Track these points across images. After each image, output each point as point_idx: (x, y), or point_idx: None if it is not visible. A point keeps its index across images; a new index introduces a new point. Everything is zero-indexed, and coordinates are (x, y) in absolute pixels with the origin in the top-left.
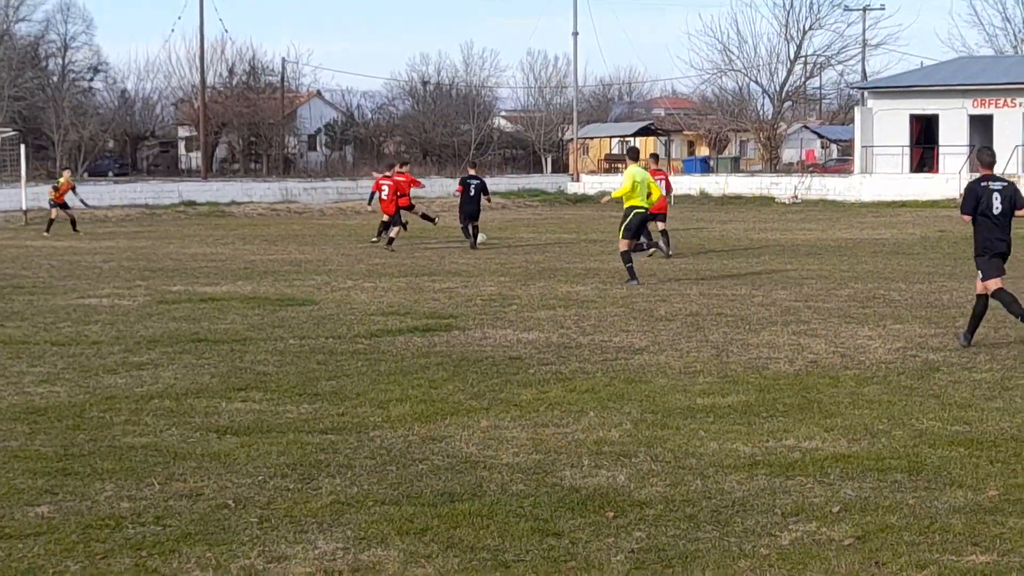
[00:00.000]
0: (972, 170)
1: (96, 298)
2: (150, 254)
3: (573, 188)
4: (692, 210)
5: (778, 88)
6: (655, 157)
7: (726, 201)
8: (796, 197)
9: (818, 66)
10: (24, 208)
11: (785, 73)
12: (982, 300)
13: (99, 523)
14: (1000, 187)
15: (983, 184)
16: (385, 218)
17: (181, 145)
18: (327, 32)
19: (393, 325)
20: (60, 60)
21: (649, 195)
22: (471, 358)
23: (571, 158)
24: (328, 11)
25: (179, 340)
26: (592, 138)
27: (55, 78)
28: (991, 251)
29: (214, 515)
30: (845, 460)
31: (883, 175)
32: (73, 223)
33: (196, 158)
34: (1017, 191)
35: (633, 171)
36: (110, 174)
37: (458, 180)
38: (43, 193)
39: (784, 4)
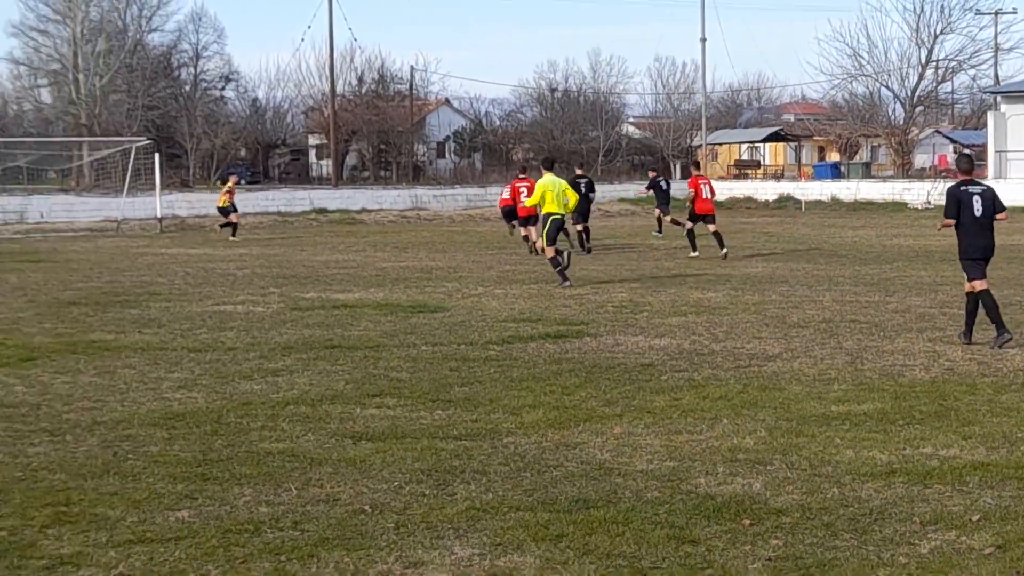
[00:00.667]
0: None
1: (231, 305)
2: (283, 261)
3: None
4: (823, 216)
5: (909, 93)
6: (696, 164)
7: (858, 207)
8: (929, 203)
9: (950, 70)
10: (159, 216)
11: (916, 78)
12: (972, 299)
13: (238, 528)
14: (980, 191)
15: (963, 188)
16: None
17: (312, 153)
18: (455, 40)
19: (525, 332)
20: (192, 70)
21: (567, 203)
22: (603, 365)
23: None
24: (456, 19)
25: (313, 346)
26: (721, 144)
27: (187, 87)
28: (972, 254)
29: (351, 520)
30: (984, 468)
31: (1017, 180)
32: (226, 225)
33: (327, 166)
34: (996, 196)
35: (545, 181)
36: (242, 182)
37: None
38: (176, 201)
39: (915, 8)
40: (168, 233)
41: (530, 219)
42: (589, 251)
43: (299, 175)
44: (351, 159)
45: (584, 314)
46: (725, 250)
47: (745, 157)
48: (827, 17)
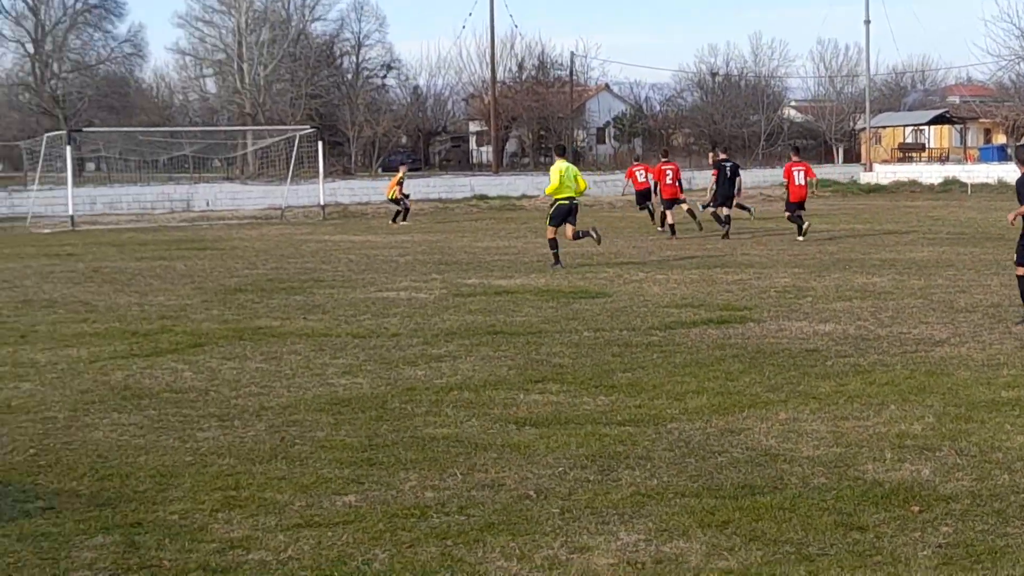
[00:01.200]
0: None
1: (394, 291)
2: (444, 248)
3: (866, 178)
4: (989, 199)
5: None
6: (796, 149)
7: None
8: None
9: None
10: (322, 203)
11: None
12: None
13: (404, 512)
14: None
15: None
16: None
17: (472, 140)
18: (615, 25)
19: (687, 317)
20: (354, 58)
21: (576, 188)
22: (767, 350)
23: (863, 148)
24: (616, 4)
25: (476, 332)
26: (885, 127)
27: (349, 76)
28: None
29: (516, 506)
30: None
31: None
32: (396, 216)
33: (487, 152)
34: None
35: (560, 166)
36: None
37: (712, 165)
38: (339, 189)
39: None
40: (331, 220)
41: (675, 201)
42: (726, 235)
43: (459, 162)
44: (511, 146)
45: (747, 299)
46: (805, 227)
47: (909, 140)
48: None
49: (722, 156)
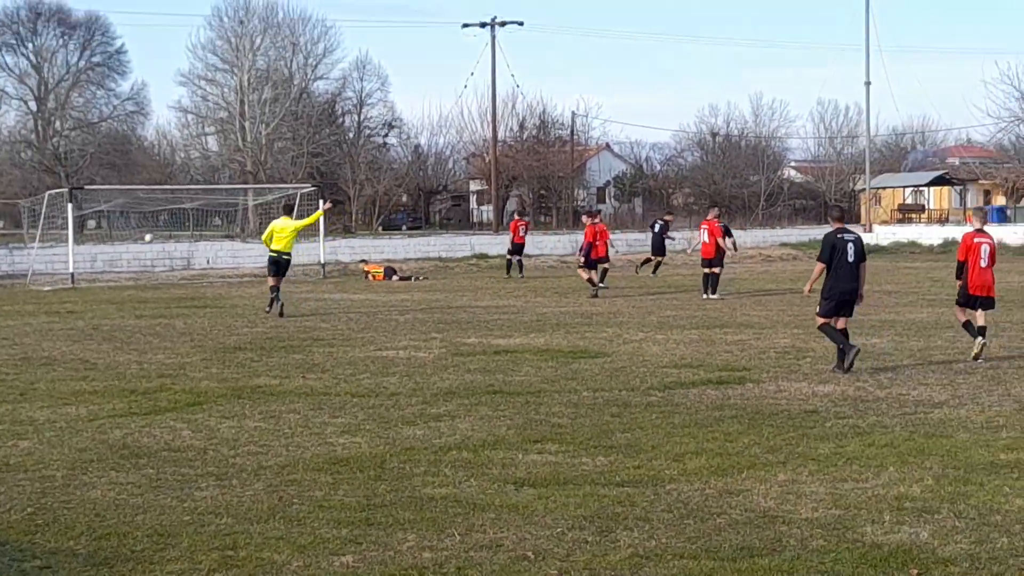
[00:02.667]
0: None
1: (393, 350)
2: (444, 306)
3: (866, 239)
4: None
5: None
6: (591, 213)
7: None
8: None
9: None
10: (323, 261)
11: None
12: (826, 328)
13: (402, 573)
14: (852, 238)
15: (839, 236)
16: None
17: (472, 199)
18: (616, 85)
19: (686, 377)
20: (356, 116)
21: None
22: (766, 411)
23: (863, 209)
24: (617, 64)
25: (475, 392)
26: (885, 188)
27: (351, 134)
28: (836, 296)
29: (514, 567)
30: None
31: None
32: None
33: (487, 211)
34: (862, 244)
35: (274, 223)
36: (404, 228)
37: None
38: (339, 247)
39: None
40: (331, 278)
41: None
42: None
43: (460, 221)
44: (511, 204)
45: (746, 360)
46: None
47: (909, 201)
48: (995, 59)
49: (667, 217)
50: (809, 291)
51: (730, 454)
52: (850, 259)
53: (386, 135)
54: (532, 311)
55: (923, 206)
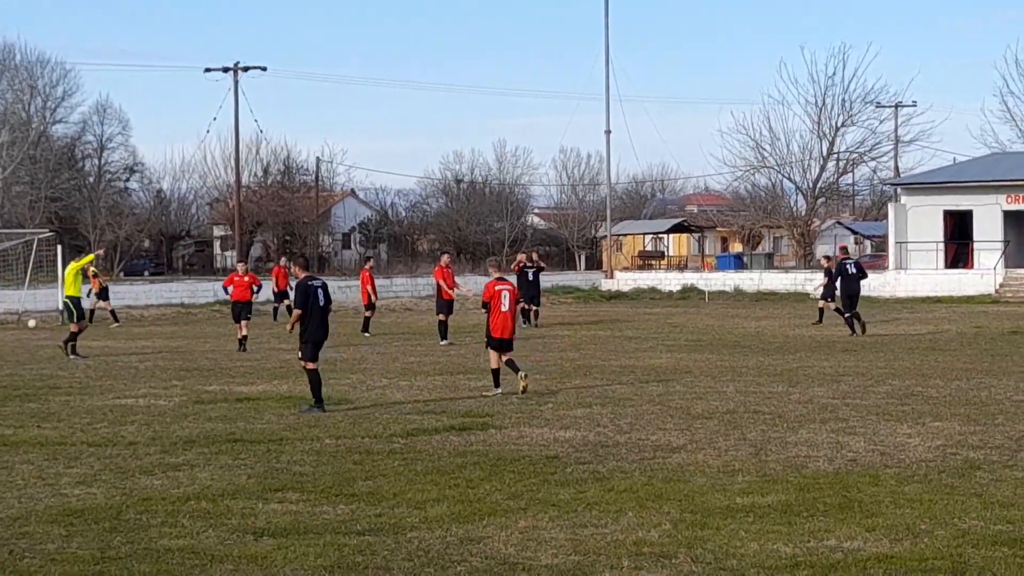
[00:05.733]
0: (1006, 266)
1: (132, 398)
2: (186, 353)
3: (607, 285)
4: (727, 306)
5: (811, 184)
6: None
7: (760, 297)
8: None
9: (851, 162)
10: (61, 308)
11: (818, 170)
12: (314, 374)
13: None
14: (321, 283)
15: (311, 283)
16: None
17: (216, 244)
18: (361, 131)
19: (429, 424)
20: (96, 161)
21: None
22: (508, 457)
23: (605, 255)
24: (362, 111)
25: (215, 440)
26: (626, 235)
27: (91, 179)
28: (315, 338)
29: None
30: (888, 561)
31: (917, 271)
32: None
33: (231, 257)
34: (327, 288)
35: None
36: (146, 273)
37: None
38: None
39: (816, 101)
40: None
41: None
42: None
43: (203, 266)
44: (256, 250)
45: (489, 406)
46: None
47: (649, 248)
48: (731, 110)
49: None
50: (291, 329)
51: (472, 501)
52: (321, 303)
53: (127, 179)
54: (275, 358)
55: (663, 252)
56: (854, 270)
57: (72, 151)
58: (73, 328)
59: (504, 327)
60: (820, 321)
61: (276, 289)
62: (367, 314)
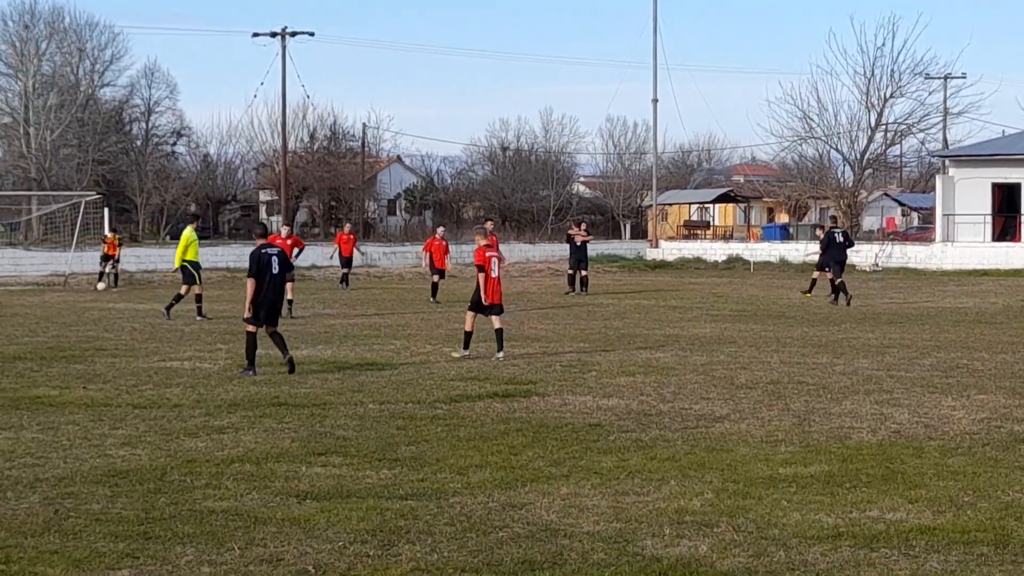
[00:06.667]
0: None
1: (178, 361)
2: (230, 317)
3: (652, 254)
4: (772, 277)
5: (859, 156)
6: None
7: (806, 268)
8: (877, 265)
9: (899, 134)
10: (107, 270)
11: (866, 141)
12: (251, 337)
13: None
14: (276, 252)
15: (265, 252)
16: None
17: (262, 209)
18: (408, 98)
19: (472, 390)
20: (144, 124)
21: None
22: (551, 424)
23: (650, 224)
24: (409, 77)
25: (259, 404)
26: (671, 204)
27: (139, 142)
28: (264, 305)
29: None
30: (930, 532)
31: (965, 244)
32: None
33: (277, 222)
34: (285, 255)
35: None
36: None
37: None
38: (125, 256)
39: (864, 72)
40: (116, 288)
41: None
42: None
43: (249, 231)
44: (301, 215)
45: (532, 373)
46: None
47: (695, 217)
48: (778, 80)
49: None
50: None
51: (514, 467)
52: (275, 271)
53: (174, 143)
54: (319, 323)
55: (708, 223)
56: (841, 239)
57: (120, 114)
58: (194, 291)
59: (495, 292)
60: (810, 291)
61: (342, 255)
62: (435, 279)
